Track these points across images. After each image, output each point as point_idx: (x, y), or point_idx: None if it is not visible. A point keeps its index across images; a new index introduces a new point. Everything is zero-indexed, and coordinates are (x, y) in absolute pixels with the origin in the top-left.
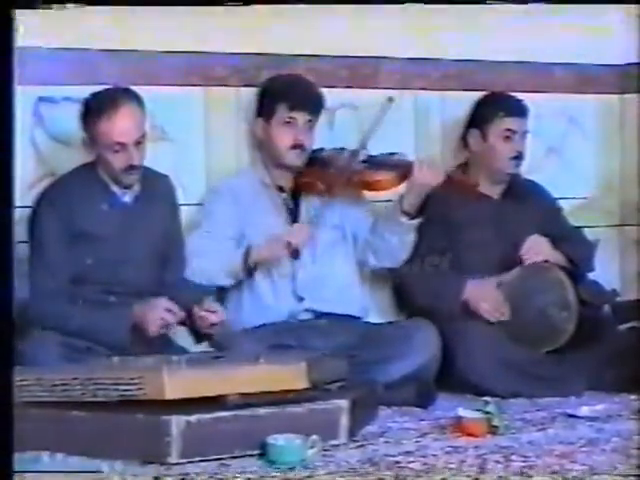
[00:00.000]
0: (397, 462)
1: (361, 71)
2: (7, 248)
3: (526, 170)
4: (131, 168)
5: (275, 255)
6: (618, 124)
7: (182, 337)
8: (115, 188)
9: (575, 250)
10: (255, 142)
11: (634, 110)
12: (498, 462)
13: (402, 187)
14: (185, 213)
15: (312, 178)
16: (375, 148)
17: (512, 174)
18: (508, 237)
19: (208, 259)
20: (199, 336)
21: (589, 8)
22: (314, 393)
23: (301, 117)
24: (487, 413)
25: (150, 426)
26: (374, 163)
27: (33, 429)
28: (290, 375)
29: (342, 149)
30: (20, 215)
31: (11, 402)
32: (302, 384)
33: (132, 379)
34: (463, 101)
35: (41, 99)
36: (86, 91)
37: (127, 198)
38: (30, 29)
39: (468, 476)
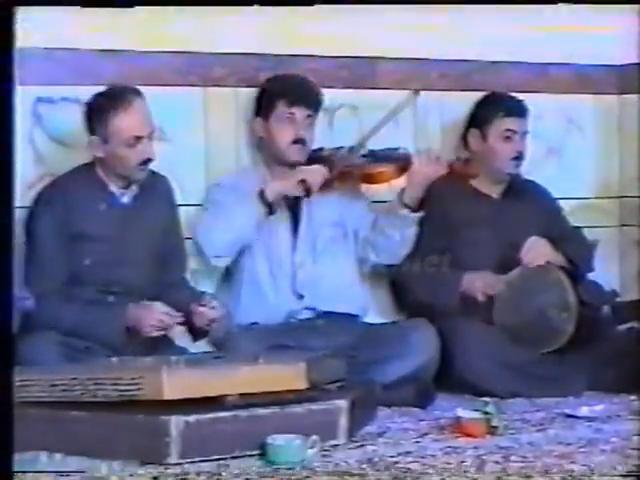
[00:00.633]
0: (396, 462)
1: (360, 71)
2: (7, 249)
3: (526, 170)
4: (147, 162)
5: (288, 190)
6: (617, 124)
7: (181, 337)
8: (113, 188)
9: (575, 250)
10: (255, 142)
11: (633, 110)
12: (497, 462)
13: (403, 180)
14: (184, 213)
15: None
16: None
17: (512, 174)
18: (508, 237)
19: (226, 220)
20: (196, 334)
21: (588, 8)
22: (313, 393)
23: (300, 112)
24: (486, 413)
25: (149, 426)
26: (374, 156)
27: (32, 429)
28: (289, 375)
29: (341, 148)
30: (19, 215)
31: (11, 402)
32: (301, 384)
33: (131, 379)
34: (462, 101)
35: (39, 99)
36: (84, 91)
37: (125, 198)
38: (29, 29)
39: (467, 477)
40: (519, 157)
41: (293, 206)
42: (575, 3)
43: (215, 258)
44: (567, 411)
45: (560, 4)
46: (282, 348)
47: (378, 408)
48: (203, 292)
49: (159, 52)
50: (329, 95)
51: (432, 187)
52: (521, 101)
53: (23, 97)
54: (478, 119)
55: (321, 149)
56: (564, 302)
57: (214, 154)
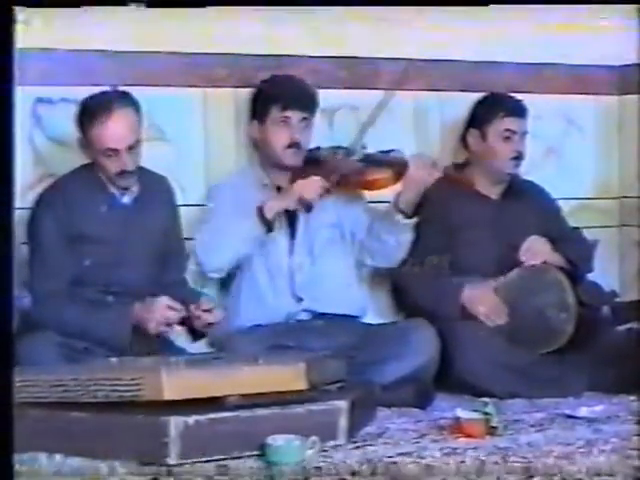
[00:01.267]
0: (395, 463)
1: (360, 72)
2: (7, 250)
3: (525, 171)
4: (123, 173)
5: (289, 207)
6: (617, 125)
7: (181, 338)
8: (114, 189)
9: (574, 251)
10: (251, 144)
11: (633, 111)
12: (497, 463)
13: (399, 185)
14: (184, 214)
15: (309, 177)
16: (375, 148)
17: (511, 174)
18: (507, 237)
19: (225, 236)
20: (196, 334)
21: (587, 9)
22: (313, 394)
23: (295, 116)
24: (485, 414)
25: (149, 427)
26: (370, 162)
27: (31, 430)
28: (289, 376)
29: (339, 148)
30: (19, 216)
31: (11, 403)
32: (301, 385)
33: (131, 380)
34: (462, 102)
35: (39, 100)
36: (84, 92)
37: (126, 199)
38: (29, 30)
39: (466, 477)
40: (518, 157)
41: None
42: (575, 3)
43: (212, 272)
44: (566, 412)
45: (560, 4)
46: (282, 349)
47: (377, 408)
48: (201, 293)
49: (159, 53)
50: (329, 95)
51: (431, 188)
52: (520, 101)
53: (22, 98)
54: (478, 119)
55: (318, 149)
56: (563, 302)
57: (214, 154)
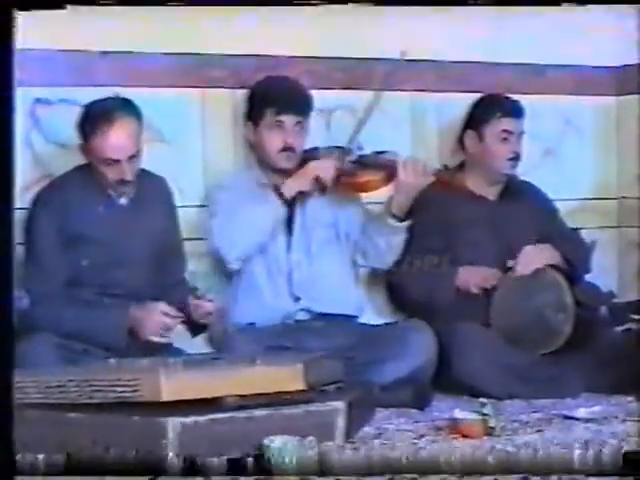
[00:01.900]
0: (393, 464)
1: (357, 73)
2: (7, 251)
3: (523, 172)
4: (122, 182)
5: (304, 187)
6: (615, 126)
7: (179, 339)
8: (111, 191)
9: (571, 252)
10: (247, 145)
11: (630, 112)
12: (494, 464)
13: (391, 188)
14: (182, 215)
15: None
16: (371, 149)
17: (508, 175)
18: (504, 239)
19: (244, 223)
20: (195, 328)
21: (585, 10)
22: (311, 395)
23: (289, 119)
24: (483, 415)
25: (146, 428)
26: (362, 163)
27: (29, 431)
28: (287, 377)
29: (335, 147)
30: (17, 217)
31: (11, 404)
32: (299, 386)
33: (128, 381)
34: (459, 103)
35: (37, 100)
36: (82, 93)
37: (123, 200)
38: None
39: (464, 478)
40: (515, 158)
41: (287, 206)
42: (573, 3)
43: (235, 261)
44: (564, 412)
45: (557, 5)
46: (279, 349)
47: (375, 409)
48: (196, 288)
49: (157, 53)
50: (326, 97)
51: (427, 190)
52: (517, 102)
53: (21, 98)
54: (474, 120)
55: (316, 149)
56: (561, 303)
57: (211, 156)
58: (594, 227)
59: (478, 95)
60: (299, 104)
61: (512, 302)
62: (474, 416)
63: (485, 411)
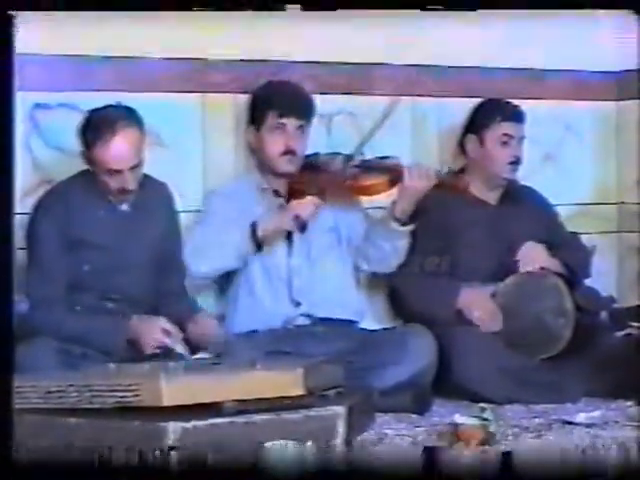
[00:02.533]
0: (393, 468)
1: (358, 78)
2: (7, 255)
3: (523, 176)
4: (124, 191)
5: (282, 227)
6: (614, 131)
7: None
8: (112, 198)
9: (571, 256)
10: (249, 149)
11: (630, 117)
12: (494, 469)
13: (394, 192)
14: (183, 220)
15: (305, 183)
16: (371, 155)
17: (509, 180)
18: (505, 243)
19: (215, 245)
20: (194, 348)
21: (585, 14)
22: (311, 400)
23: (291, 123)
24: (484, 420)
25: (147, 433)
26: (366, 167)
27: (28, 436)
28: (287, 382)
29: (337, 154)
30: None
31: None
32: (299, 391)
33: (129, 386)
34: (460, 108)
35: (37, 105)
36: (82, 97)
37: (124, 206)
38: (27, 35)
39: None
40: (516, 162)
41: (258, 247)
42: (573, 9)
43: (198, 279)
44: (564, 417)
45: (558, 10)
46: (279, 354)
47: (375, 414)
48: (201, 309)
49: (157, 58)
50: (327, 101)
51: (428, 194)
52: (518, 107)
53: (20, 103)
54: (475, 124)
55: (316, 154)
56: (561, 308)
57: (212, 161)
58: (594, 232)
59: (478, 100)
60: (301, 108)
61: (512, 307)
62: (474, 421)
63: (485, 416)
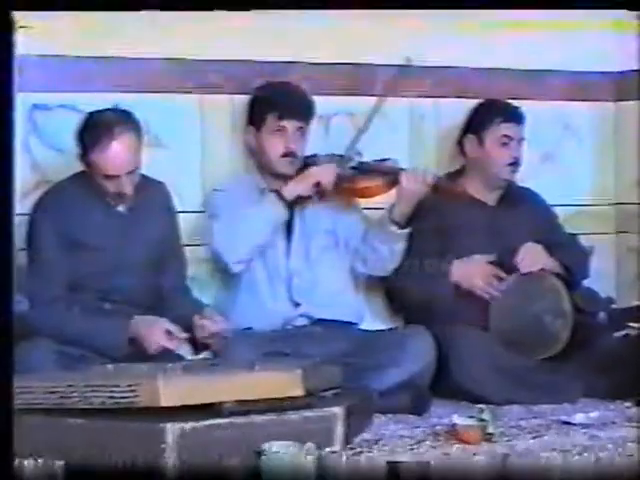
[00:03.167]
0: (391, 469)
1: (357, 78)
2: (7, 257)
3: (521, 177)
4: (121, 194)
5: (304, 191)
6: (613, 131)
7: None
8: (110, 200)
9: (570, 257)
10: (248, 150)
11: (629, 117)
12: (493, 470)
13: (392, 195)
14: (180, 220)
15: None
16: (369, 155)
17: (508, 181)
18: (503, 244)
19: (245, 226)
20: (198, 347)
21: (585, 14)
22: (309, 400)
23: (291, 125)
24: (482, 420)
25: (145, 433)
26: (363, 170)
27: (28, 436)
28: (285, 382)
29: (335, 155)
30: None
31: (11, 409)
32: (297, 391)
33: (127, 386)
34: (458, 108)
35: (35, 106)
36: (81, 98)
37: (121, 208)
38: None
39: None
40: (515, 163)
41: (288, 209)
42: (572, 9)
43: (236, 264)
44: (563, 418)
45: (557, 10)
46: (278, 355)
47: (374, 415)
48: (206, 305)
49: (155, 59)
50: (325, 102)
51: (426, 195)
52: (518, 108)
53: (19, 104)
54: (475, 125)
55: (315, 156)
56: (559, 309)
57: (210, 161)
58: (592, 233)
59: (476, 101)
60: (301, 109)
61: (511, 307)
62: (472, 422)
63: (483, 417)
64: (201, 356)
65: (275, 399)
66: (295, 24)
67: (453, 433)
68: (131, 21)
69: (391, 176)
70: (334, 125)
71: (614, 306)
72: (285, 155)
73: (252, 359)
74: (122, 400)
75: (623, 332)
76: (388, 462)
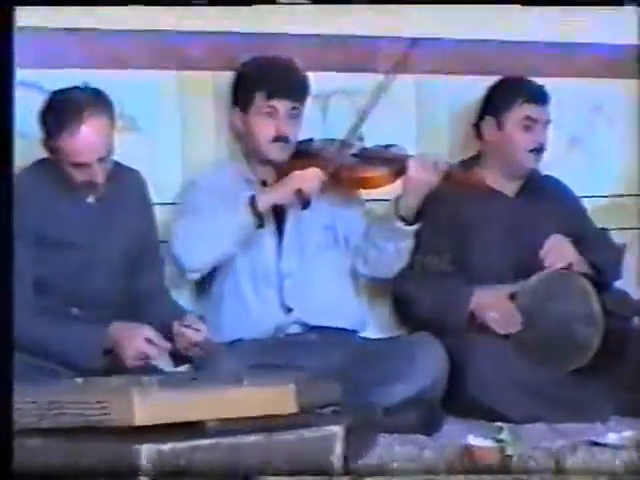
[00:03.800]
0: None
1: (356, 53)
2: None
3: (544, 164)
4: (91, 185)
5: (284, 201)
6: None
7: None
8: (77, 188)
9: (600, 255)
10: (233, 134)
11: None
12: None
13: (398, 186)
14: (158, 213)
15: None
16: (372, 140)
17: (530, 169)
18: (524, 240)
19: (209, 232)
20: (178, 358)
21: None
22: (304, 418)
23: (282, 106)
24: (500, 441)
25: (117, 455)
26: (366, 157)
27: None
28: (277, 398)
29: (333, 140)
30: None
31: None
32: (291, 408)
33: (97, 402)
34: (472, 86)
35: None
36: (46, 75)
37: (90, 199)
38: None
39: None
40: (539, 149)
41: (277, 206)
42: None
43: (194, 273)
44: (592, 438)
45: None
46: (269, 367)
47: (378, 435)
48: (187, 310)
49: (128, 31)
50: (322, 79)
51: (437, 187)
52: (542, 86)
53: None
54: (494, 106)
55: (311, 140)
56: (588, 313)
57: (191, 146)
58: (625, 228)
59: (495, 78)
60: (294, 88)
61: (533, 312)
62: (489, 442)
63: (502, 437)
64: (181, 368)
65: (265, 417)
66: None
67: (468, 455)
68: None
69: (398, 164)
70: (332, 106)
71: None
72: (276, 140)
73: (239, 372)
74: (92, 418)
75: None
76: None
